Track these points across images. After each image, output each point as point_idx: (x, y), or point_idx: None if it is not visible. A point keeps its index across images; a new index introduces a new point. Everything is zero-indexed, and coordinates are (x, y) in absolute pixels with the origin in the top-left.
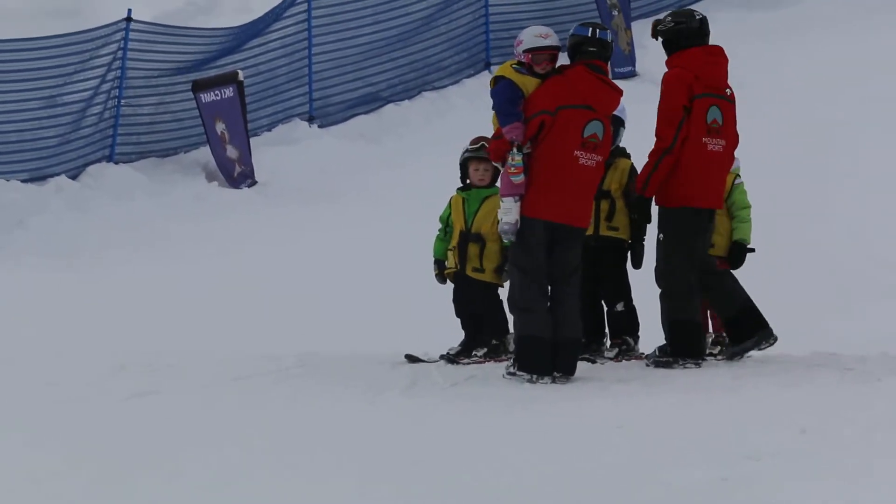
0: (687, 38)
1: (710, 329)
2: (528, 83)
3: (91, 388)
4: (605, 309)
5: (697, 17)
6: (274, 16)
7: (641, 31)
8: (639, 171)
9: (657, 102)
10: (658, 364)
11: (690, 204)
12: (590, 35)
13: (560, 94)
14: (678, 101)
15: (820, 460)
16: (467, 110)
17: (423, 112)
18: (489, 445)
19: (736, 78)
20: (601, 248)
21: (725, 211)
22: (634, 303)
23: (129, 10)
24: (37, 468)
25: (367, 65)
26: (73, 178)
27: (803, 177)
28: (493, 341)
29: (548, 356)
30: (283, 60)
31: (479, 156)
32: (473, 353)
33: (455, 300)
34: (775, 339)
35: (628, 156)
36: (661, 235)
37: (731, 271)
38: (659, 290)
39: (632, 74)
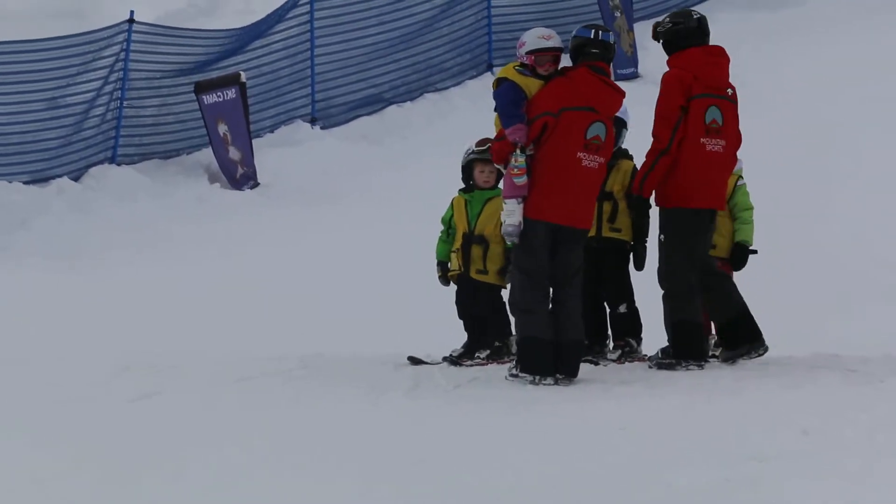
0: (685, 39)
1: (714, 331)
2: (531, 85)
3: (94, 388)
4: (608, 311)
5: (695, 17)
6: (276, 17)
7: (644, 32)
8: None
9: None
10: (661, 366)
11: (689, 204)
12: (592, 37)
13: (563, 95)
14: (675, 101)
15: (822, 461)
16: (469, 112)
17: (426, 113)
18: (492, 447)
19: (737, 78)
20: (604, 250)
21: (727, 212)
22: (637, 304)
23: (132, 12)
24: (40, 469)
25: (370, 66)
26: (76, 179)
27: (805, 177)
28: (496, 343)
29: (550, 357)
30: (285, 62)
31: (484, 158)
32: (476, 354)
33: (458, 302)
34: (766, 350)
35: (631, 157)
36: (663, 236)
37: (731, 276)
38: (662, 292)
39: (634, 76)
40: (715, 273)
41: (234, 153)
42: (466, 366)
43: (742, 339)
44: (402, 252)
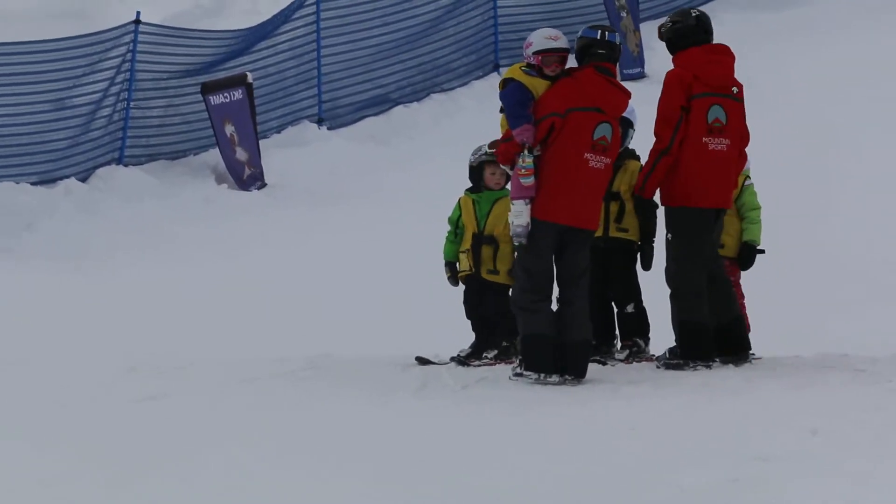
0: (685, 37)
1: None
2: (537, 85)
3: (100, 390)
4: (616, 311)
5: (693, 15)
6: (283, 17)
7: (650, 32)
8: None
9: None
10: (668, 366)
11: (692, 203)
12: (598, 37)
13: (569, 96)
14: (675, 101)
15: (830, 462)
16: (476, 112)
17: (432, 114)
18: (499, 447)
19: (742, 78)
20: (611, 250)
21: (735, 212)
22: (645, 304)
23: (138, 13)
24: (46, 471)
25: (376, 66)
26: (83, 180)
27: (808, 177)
28: (504, 343)
29: (553, 353)
30: (291, 62)
31: (495, 159)
32: (484, 354)
33: (466, 302)
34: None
35: (637, 157)
36: (669, 236)
37: (739, 278)
38: (669, 291)
39: (640, 76)
40: (722, 272)
41: (240, 154)
42: (474, 366)
43: (731, 346)
44: (409, 252)
